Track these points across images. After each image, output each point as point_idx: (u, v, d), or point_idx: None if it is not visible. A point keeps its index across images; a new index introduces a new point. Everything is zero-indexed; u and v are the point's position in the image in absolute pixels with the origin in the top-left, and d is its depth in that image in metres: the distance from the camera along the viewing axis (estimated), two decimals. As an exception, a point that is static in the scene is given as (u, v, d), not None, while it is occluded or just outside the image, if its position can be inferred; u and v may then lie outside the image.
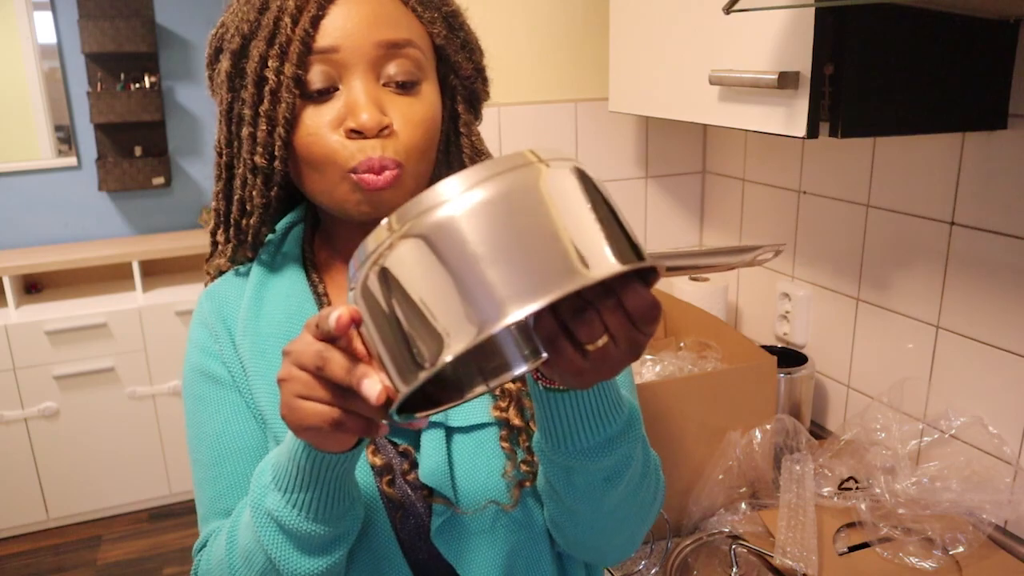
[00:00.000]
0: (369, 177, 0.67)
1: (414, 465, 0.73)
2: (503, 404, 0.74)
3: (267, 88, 0.67)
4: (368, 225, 0.72)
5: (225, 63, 0.70)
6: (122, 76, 3.18)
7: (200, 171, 3.42)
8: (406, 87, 0.69)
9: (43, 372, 2.86)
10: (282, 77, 0.66)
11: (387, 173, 0.67)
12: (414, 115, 0.69)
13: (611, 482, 0.65)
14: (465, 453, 0.73)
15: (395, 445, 0.74)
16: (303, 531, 0.61)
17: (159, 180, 3.28)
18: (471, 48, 0.75)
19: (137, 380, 2.98)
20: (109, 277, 3.20)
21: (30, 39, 3.10)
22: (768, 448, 1.25)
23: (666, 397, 1.20)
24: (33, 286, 3.16)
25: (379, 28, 0.67)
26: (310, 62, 0.67)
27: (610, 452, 0.63)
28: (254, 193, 0.73)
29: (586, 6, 1.59)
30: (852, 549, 1.15)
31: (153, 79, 3.21)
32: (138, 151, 3.27)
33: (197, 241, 3.18)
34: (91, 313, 2.89)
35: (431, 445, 0.71)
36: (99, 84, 3.16)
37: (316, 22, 0.66)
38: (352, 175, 0.68)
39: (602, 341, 0.49)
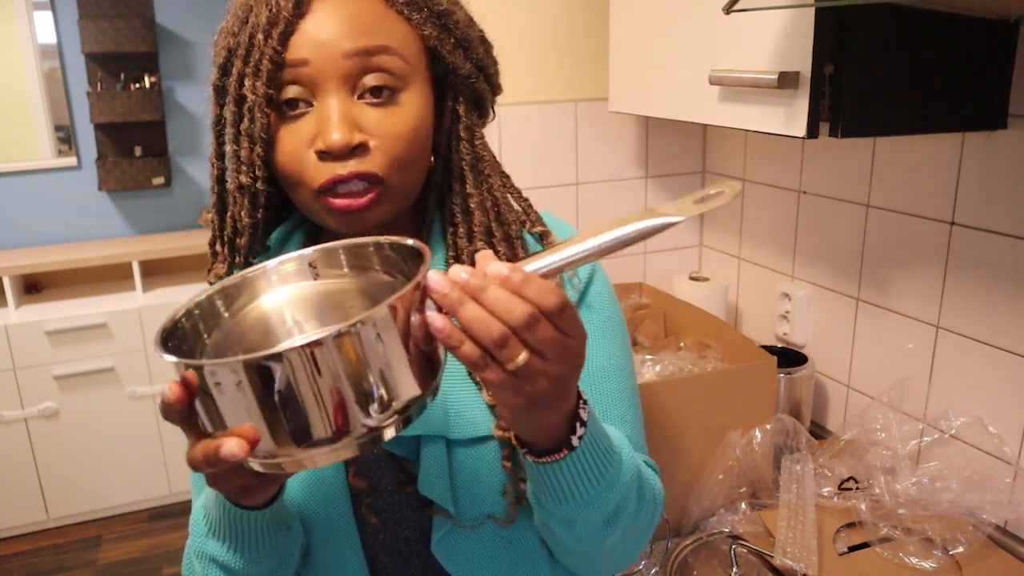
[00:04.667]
0: (338, 201, 0.66)
1: (411, 476, 0.73)
2: (504, 424, 0.73)
3: (246, 106, 0.66)
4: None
5: (213, 75, 0.70)
6: (122, 76, 3.18)
7: (200, 171, 3.41)
8: (383, 98, 0.67)
9: (43, 372, 2.86)
10: (256, 96, 0.65)
11: (361, 199, 0.66)
12: (392, 128, 0.66)
13: (611, 524, 0.65)
14: (466, 467, 0.72)
15: (392, 456, 0.74)
16: (243, 569, 0.66)
17: (159, 180, 3.27)
18: (469, 46, 0.72)
19: (137, 380, 2.98)
20: (109, 277, 3.20)
21: (30, 39, 3.10)
22: (768, 448, 1.25)
23: (666, 397, 1.20)
24: (33, 286, 3.16)
25: (350, 37, 0.65)
26: (282, 79, 0.65)
27: (612, 496, 0.63)
28: (242, 213, 0.71)
29: (586, 6, 1.59)
30: (852, 549, 1.15)
31: (153, 79, 3.21)
32: (138, 151, 3.27)
33: (197, 241, 3.18)
34: (91, 313, 2.89)
35: (431, 457, 0.70)
36: (99, 84, 3.16)
37: (285, 38, 0.64)
38: (322, 196, 0.67)
39: (523, 358, 0.51)
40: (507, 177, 0.78)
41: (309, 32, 0.65)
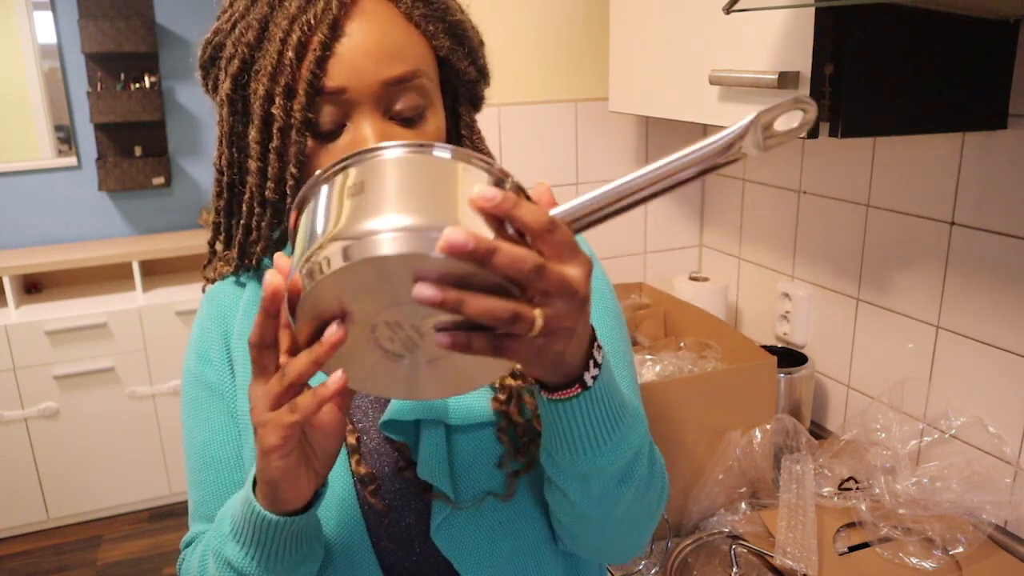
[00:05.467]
0: None
1: (410, 462, 0.73)
2: (502, 397, 0.74)
3: (275, 126, 0.65)
4: None
5: (225, 84, 0.68)
6: (122, 76, 3.18)
7: (200, 171, 3.42)
8: (413, 121, 0.68)
9: (43, 372, 2.86)
10: (292, 119, 0.65)
11: None
12: None
13: (624, 483, 0.66)
14: (464, 449, 0.73)
15: (391, 443, 0.74)
16: None
17: (159, 180, 3.28)
18: (475, 53, 0.74)
19: (137, 380, 2.98)
20: (109, 277, 3.20)
21: (30, 39, 3.10)
22: (768, 448, 1.25)
23: (666, 397, 1.20)
24: (33, 286, 3.16)
25: (386, 64, 0.65)
26: (319, 103, 0.65)
27: (626, 449, 0.63)
28: (263, 224, 0.71)
29: (586, 6, 1.59)
30: (852, 549, 1.15)
31: (153, 79, 3.21)
32: (138, 151, 3.28)
33: (197, 241, 3.18)
34: (91, 313, 2.89)
35: (430, 442, 0.71)
36: (99, 84, 3.16)
37: (323, 63, 0.63)
38: None
39: (539, 322, 0.49)
40: None
41: (345, 57, 0.64)
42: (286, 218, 0.72)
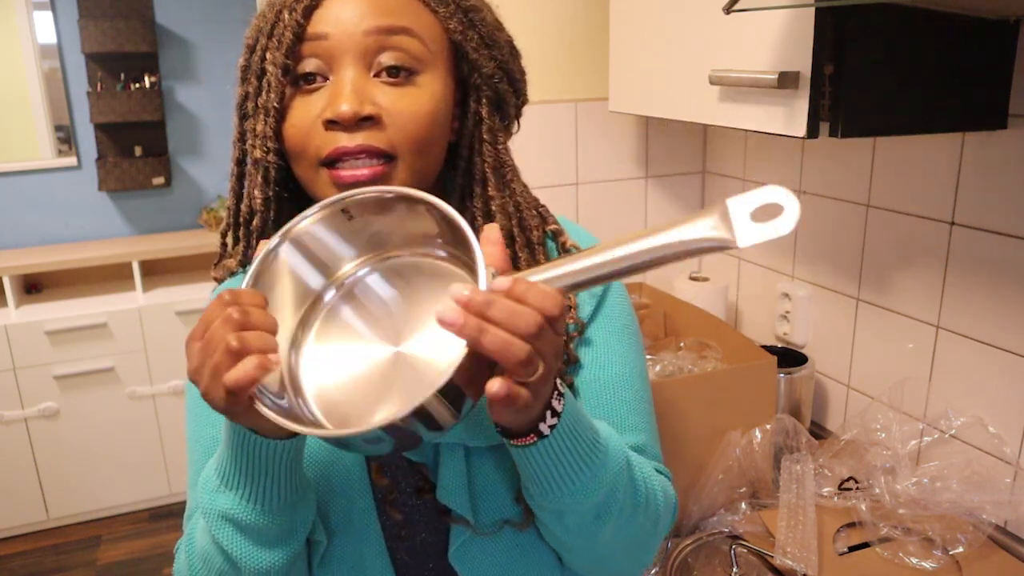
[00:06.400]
0: (342, 173, 0.65)
1: (428, 483, 0.72)
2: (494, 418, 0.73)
3: (265, 80, 0.67)
4: None
5: (240, 58, 0.71)
6: (122, 76, 3.18)
7: (200, 171, 3.42)
8: (400, 77, 0.66)
9: (43, 372, 2.86)
10: (274, 67, 0.66)
11: (365, 170, 0.65)
12: (407, 106, 0.66)
13: (601, 518, 0.65)
14: (484, 474, 0.71)
15: (409, 462, 0.73)
16: (258, 524, 0.62)
17: (159, 180, 3.28)
18: (495, 46, 0.72)
19: (137, 380, 2.98)
20: (109, 277, 3.20)
21: (30, 39, 3.10)
22: (768, 448, 1.25)
23: (666, 397, 1.20)
24: (33, 286, 3.16)
25: (373, 16, 0.65)
26: (301, 52, 0.66)
27: (596, 488, 0.62)
28: (255, 191, 0.71)
29: (586, 6, 1.59)
30: (852, 549, 1.15)
31: (153, 79, 3.21)
32: (138, 151, 3.27)
33: (197, 241, 3.18)
34: (91, 313, 2.89)
35: (451, 466, 0.70)
36: (99, 84, 3.16)
37: (309, 12, 0.66)
38: (325, 169, 0.66)
39: (541, 371, 0.52)
40: (526, 187, 0.78)
41: (333, 8, 0.66)
42: (269, 180, 0.71)
